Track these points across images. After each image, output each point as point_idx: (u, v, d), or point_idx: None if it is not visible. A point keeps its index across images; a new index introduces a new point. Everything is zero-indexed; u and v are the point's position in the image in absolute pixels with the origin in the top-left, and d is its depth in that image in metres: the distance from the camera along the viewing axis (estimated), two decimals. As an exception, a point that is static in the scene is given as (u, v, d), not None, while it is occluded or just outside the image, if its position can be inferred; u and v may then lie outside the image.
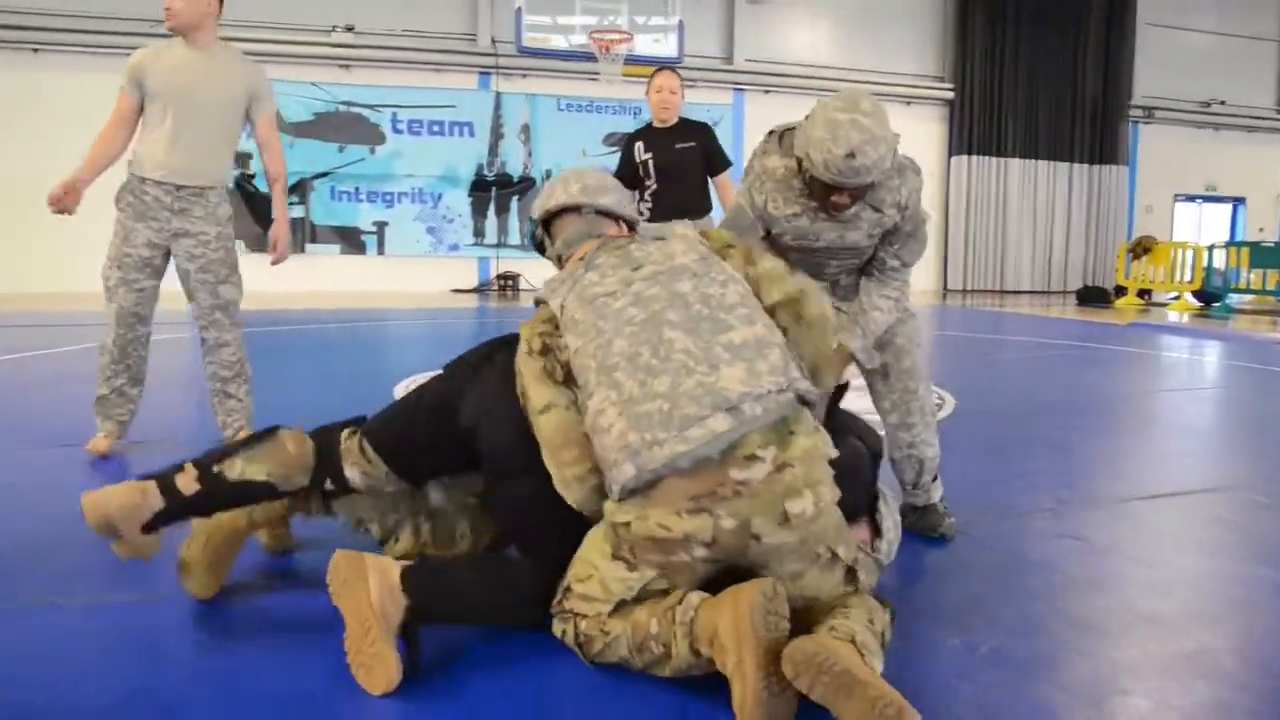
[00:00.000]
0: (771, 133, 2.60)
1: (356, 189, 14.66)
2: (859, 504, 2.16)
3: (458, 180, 15.06)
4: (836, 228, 2.55)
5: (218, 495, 2.14)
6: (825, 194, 2.38)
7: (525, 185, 15.22)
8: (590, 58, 11.85)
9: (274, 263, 3.95)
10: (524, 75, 14.98)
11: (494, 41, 14.76)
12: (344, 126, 14.56)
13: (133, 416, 3.86)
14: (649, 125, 5.03)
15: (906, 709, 1.51)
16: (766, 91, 16.13)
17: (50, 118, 13.21)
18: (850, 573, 1.87)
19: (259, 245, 14.07)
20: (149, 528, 2.09)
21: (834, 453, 1.86)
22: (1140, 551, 2.74)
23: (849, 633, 1.68)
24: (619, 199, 2.40)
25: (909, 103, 16.97)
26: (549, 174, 15.04)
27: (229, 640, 2.02)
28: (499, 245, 15.39)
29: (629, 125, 14.23)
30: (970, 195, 17.29)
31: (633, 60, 11.58)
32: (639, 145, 4.91)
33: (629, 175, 4.89)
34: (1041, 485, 3.49)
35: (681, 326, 1.91)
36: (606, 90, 14.08)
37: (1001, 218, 17.50)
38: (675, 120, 4.92)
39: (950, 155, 17.28)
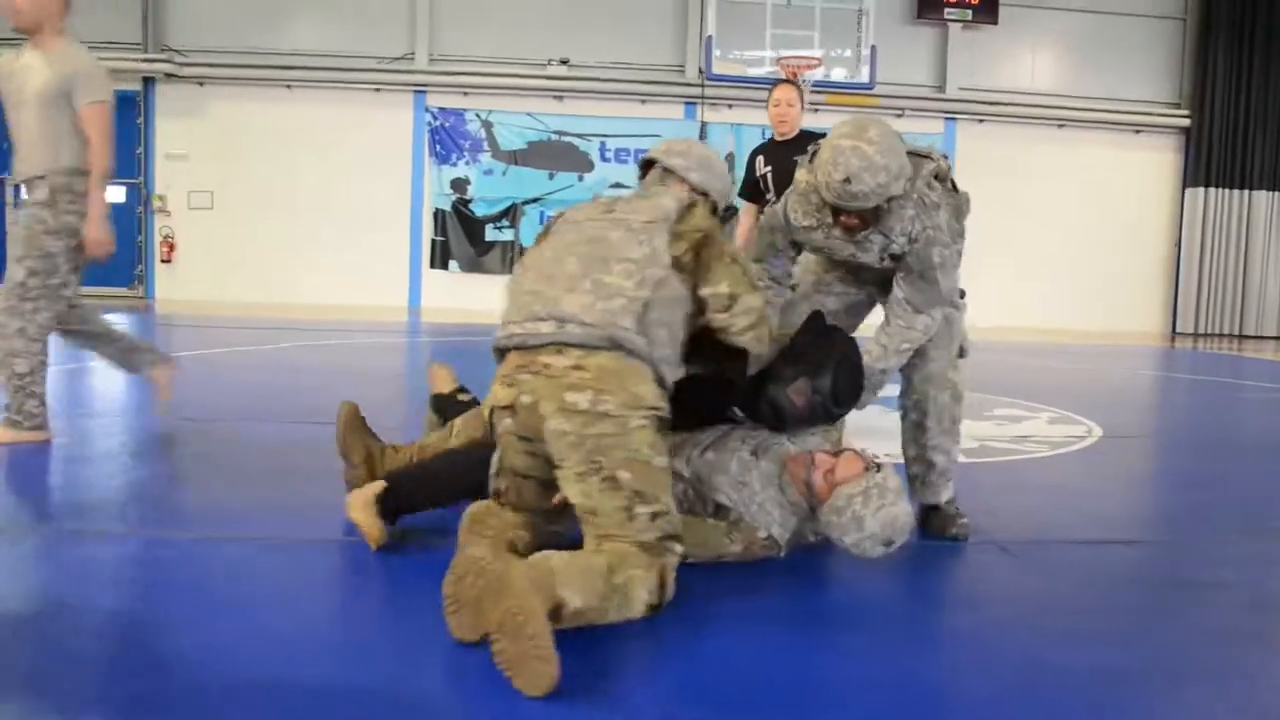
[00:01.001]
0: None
1: (564, 214, 15.66)
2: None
3: (660, 207, 15.77)
4: (849, 246, 2.82)
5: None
6: (836, 214, 2.70)
7: (729, 213, 15.69)
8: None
9: (90, 262, 3.93)
10: (730, 105, 15.54)
11: (701, 72, 15.42)
12: (555, 155, 15.63)
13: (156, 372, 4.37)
14: (771, 140, 5.28)
15: (534, 617, 1.80)
16: (980, 121, 15.96)
17: (301, 144, 15.09)
18: (656, 519, 2.20)
19: (474, 266, 15.36)
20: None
21: (644, 394, 2.29)
22: (1211, 588, 2.77)
23: (548, 557, 2.03)
24: (689, 164, 2.80)
25: (1138, 131, 16.30)
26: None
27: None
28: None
29: (831, 154, 14.47)
30: (1207, 230, 16.35)
31: (823, 87, 11.89)
32: (760, 159, 5.19)
33: (751, 189, 5.19)
34: (1146, 515, 3.58)
35: (582, 257, 2.44)
36: (811, 119, 14.40)
37: (1243, 255, 16.42)
38: (794, 133, 5.12)
39: (1185, 187, 16.41)
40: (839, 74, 12.20)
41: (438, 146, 15.44)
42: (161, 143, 15.29)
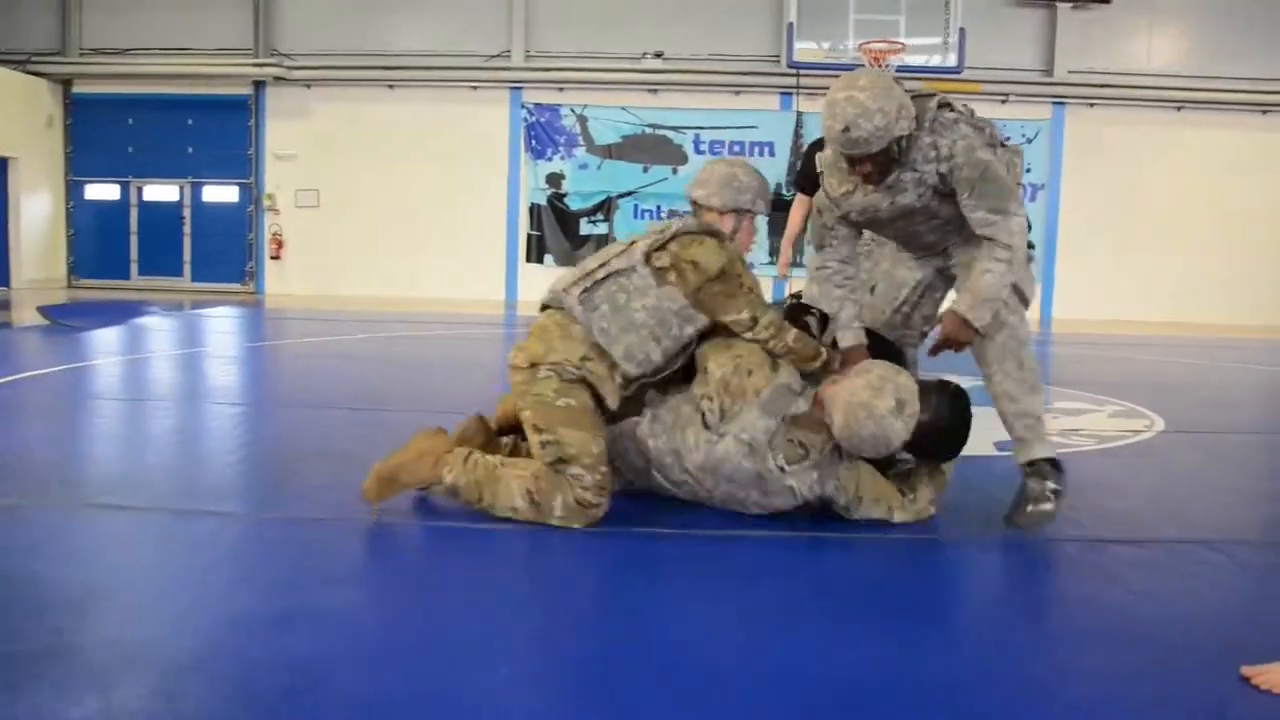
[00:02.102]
0: None
1: (658, 207, 15.97)
2: None
3: (756, 199, 15.91)
4: (886, 195, 2.98)
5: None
6: (851, 166, 2.91)
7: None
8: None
9: None
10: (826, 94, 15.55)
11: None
12: (649, 148, 15.96)
13: None
14: None
15: (391, 478, 2.95)
16: (1091, 105, 15.61)
17: (402, 142, 15.84)
18: (546, 445, 2.94)
19: (568, 260, 15.80)
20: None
21: (558, 350, 3.02)
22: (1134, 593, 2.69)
23: (458, 451, 3.02)
24: (709, 192, 3.33)
25: (1265, 111, 15.57)
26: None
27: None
28: (793, 264, 16.05)
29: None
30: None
31: (908, 72, 11.90)
32: (819, 156, 5.37)
33: (805, 180, 5.39)
34: (1153, 515, 3.63)
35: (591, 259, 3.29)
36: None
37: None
38: None
39: (1319, 170, 15.68)
40: (925, 59, 12.17)
41: (533, 142, 15.96)
42: (271, 143, 16.23)
